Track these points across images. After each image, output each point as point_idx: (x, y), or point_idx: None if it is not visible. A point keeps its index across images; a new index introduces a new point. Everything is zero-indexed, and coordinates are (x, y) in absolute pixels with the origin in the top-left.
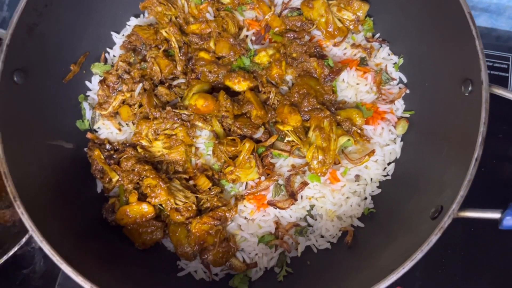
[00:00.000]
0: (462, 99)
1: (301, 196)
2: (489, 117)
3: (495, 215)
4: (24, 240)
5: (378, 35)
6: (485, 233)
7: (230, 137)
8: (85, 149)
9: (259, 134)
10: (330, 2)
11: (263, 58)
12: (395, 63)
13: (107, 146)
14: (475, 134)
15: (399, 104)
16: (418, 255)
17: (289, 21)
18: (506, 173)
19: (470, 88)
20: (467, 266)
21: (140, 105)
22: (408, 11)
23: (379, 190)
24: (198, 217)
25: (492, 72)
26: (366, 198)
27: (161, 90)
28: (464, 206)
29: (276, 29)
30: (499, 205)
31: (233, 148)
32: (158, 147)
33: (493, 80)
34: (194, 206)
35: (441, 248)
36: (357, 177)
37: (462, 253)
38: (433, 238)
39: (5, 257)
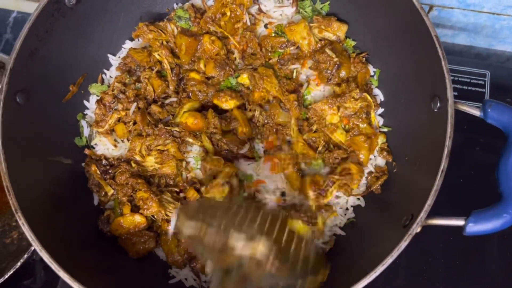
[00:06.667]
0: (432, 114)
1: None
2: (467, 132)
3: (459, 222)
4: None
5: None
6: (463, 240)
7: (215, 157)
8: (83, 164)
9: (244, 150)
10: (311, 24)
11: (245, 79)
12: (372, 75)
13: (103, 161)
14: (442, 148)
15: (379, 118)
16: (389, 260)
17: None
18: (479, 183)
19: (438, 105)
20: (447, 273)
21: (135, 123)
22: (385, 32)
23: (360, 201)
24: None
25: (469, 88)
26: (347, 209)
27: (154, 108)
28: (438, 214)
29: None
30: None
31: (214, 167)
32: (150, 162)
33: (470, 95)
34: None
35: (421, 256)
36: None
37: (442, 260)
38: (403, 244)
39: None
